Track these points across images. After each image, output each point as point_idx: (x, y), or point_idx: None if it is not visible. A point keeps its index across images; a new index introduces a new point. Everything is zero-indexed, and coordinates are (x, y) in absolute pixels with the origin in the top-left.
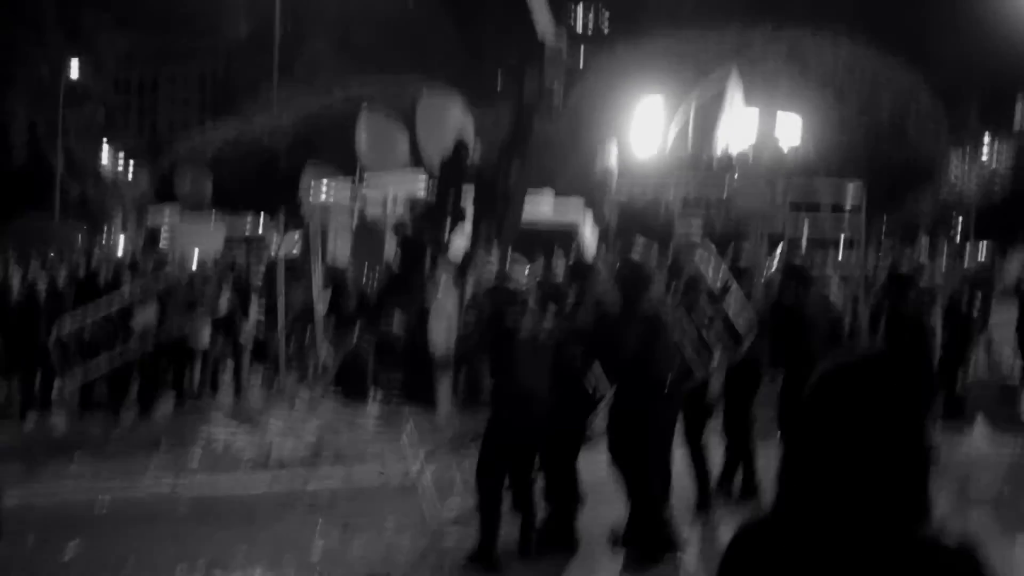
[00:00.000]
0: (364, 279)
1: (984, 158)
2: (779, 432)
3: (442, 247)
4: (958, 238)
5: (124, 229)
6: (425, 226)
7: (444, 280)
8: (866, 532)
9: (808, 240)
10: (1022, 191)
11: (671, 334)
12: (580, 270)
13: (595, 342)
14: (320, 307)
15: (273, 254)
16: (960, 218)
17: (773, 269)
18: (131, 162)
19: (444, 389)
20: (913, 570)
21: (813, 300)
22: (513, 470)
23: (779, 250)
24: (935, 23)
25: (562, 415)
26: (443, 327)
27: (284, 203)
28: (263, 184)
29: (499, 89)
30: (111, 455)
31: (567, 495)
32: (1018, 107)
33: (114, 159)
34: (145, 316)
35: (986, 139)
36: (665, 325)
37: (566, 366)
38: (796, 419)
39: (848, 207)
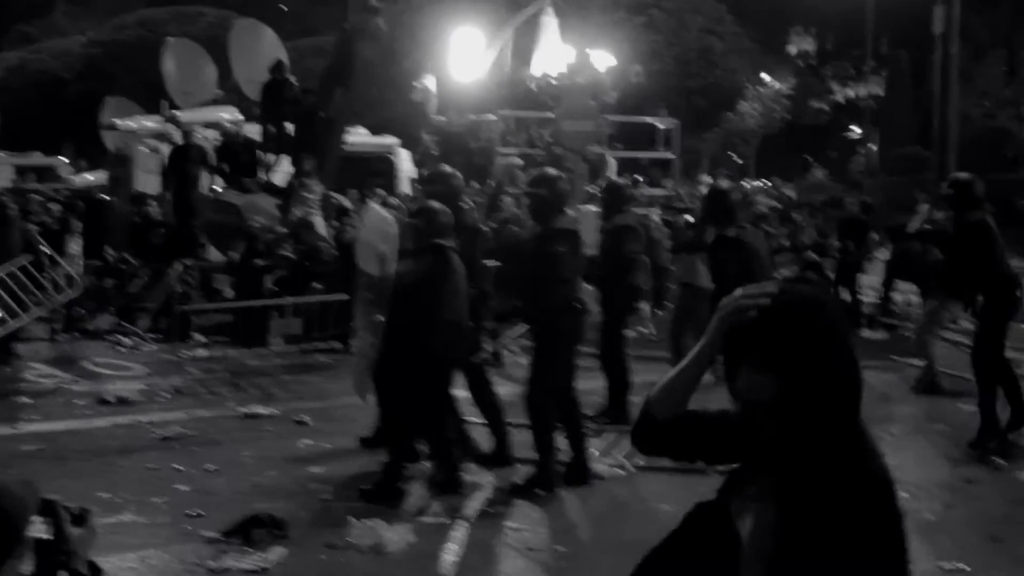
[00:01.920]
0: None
1: (765, 88)
2: None
3: (268, 175)
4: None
5: None
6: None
7: (370, 208)
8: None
9: (625, 166)
10: (798, 121)
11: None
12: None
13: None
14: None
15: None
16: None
17: None
18: None
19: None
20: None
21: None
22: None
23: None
24: None
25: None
26: (379, 250)
27: (75, 133)
28: (51, 113)
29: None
30: None
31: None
32: (793, 38)
33: None
34: None
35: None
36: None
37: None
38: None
39: (662, 137)
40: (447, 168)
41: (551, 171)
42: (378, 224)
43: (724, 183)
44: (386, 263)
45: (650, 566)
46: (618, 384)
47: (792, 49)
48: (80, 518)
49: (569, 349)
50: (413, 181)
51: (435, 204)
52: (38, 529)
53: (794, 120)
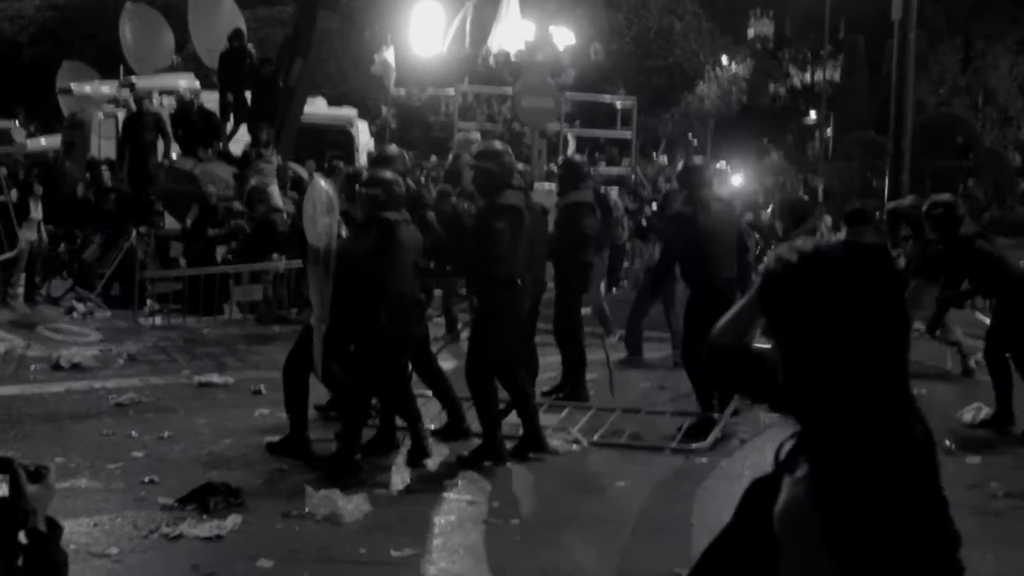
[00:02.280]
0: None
1: (724, 70)
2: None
3: (225, 144)
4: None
5: None
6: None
7: (314, 181)
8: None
9: (583, 144)
10: (756, 104)
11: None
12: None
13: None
14: None
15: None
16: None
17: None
18: None
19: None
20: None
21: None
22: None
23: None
24: None
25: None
26: (322, 221)
27: (30, 98)
28: (4, 76)
29: None
30: None
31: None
32: (751, 21)
33: None
34: None
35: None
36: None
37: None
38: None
39: (620, 117)
40: (499, 145)
41: (498, 144)
42: (322, 196)
43: (698, 159)
44: (331, 236)
45: (719, 549)
46: (574, 360)
47: (751, 32)
48: (37, 475)
49: (509, 325)
50: (369, 153)
51: (388, 175)
52: None
53: (751, 103)
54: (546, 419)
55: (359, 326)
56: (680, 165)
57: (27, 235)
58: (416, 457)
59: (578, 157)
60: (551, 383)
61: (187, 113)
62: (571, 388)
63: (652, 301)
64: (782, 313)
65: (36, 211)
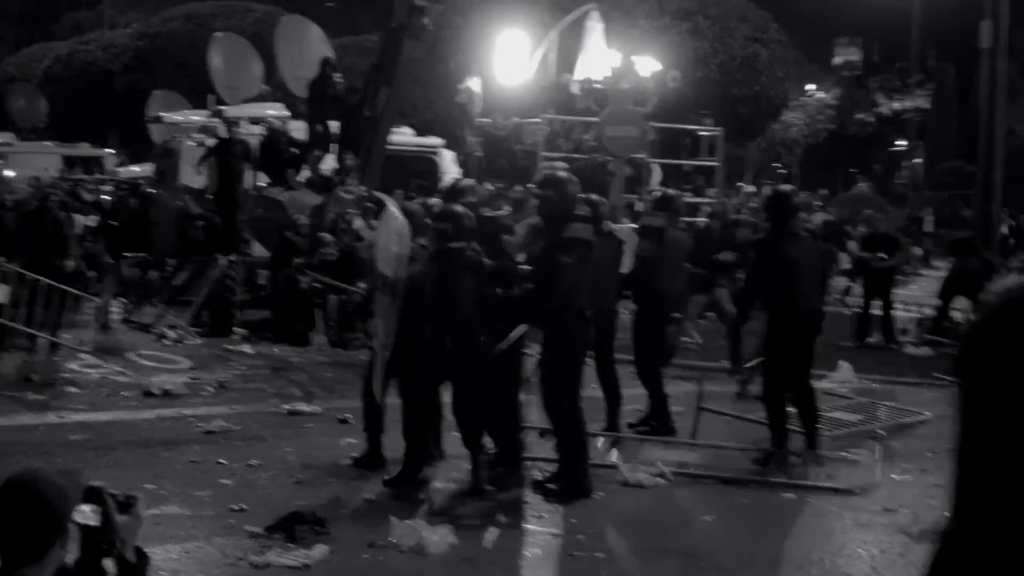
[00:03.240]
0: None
1: (810, 97)
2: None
3: (314, 173)
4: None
5: None
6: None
7: (387, 210)
8: None
9: (668, 173)
10: (843, 132)
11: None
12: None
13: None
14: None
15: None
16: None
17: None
18: None
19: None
20: None
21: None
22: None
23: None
24: None
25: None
26: (391, 252)
27: (120, 124)
28: (98, 104)
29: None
30: None
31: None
32: (837, 48)
33: None
34: None
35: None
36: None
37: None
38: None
39: (707, 145)
40: (563, 174)
41: (561, 173)
42: (395, 226)
43: (786, 187)
44: (400, 265)
45: None
46: (659, 393)
47: (838, 59)
48: (126, 505)
49: (575, 356)
50: (441, 187)
51: (458, 209)
52: (84, 516)
53: (838, 131)
54: (632, 451)
55: (425, 355)
56: (766, 194)
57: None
58: (501, 485)
59: (672, 191)
60: (637, 416)
61: (276, 142)
62: (658, 421)
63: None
64: (989, 366)
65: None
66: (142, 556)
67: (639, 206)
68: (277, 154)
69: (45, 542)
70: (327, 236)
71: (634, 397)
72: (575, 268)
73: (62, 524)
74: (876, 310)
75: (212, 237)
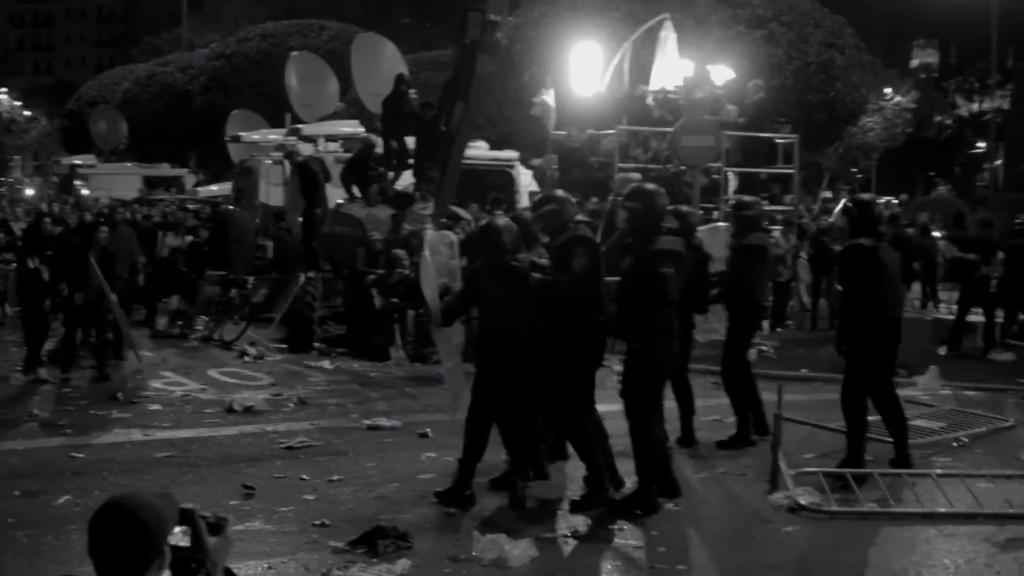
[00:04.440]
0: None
1: (887, 101)
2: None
3: (389, 189)
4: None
5: (23, 173)
6: (364, 167)
7: (430, 234)
8: None
9: (744, 182)
10: (921, 136)
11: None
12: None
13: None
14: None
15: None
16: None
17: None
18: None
19: (442, 344)
20: None
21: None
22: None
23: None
24: None
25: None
26: (431, 283)
27: (199, 143)
28: (177, 125)
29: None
30: (70, 410)
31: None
32: (915, 51)
33: (11, 99)
34: None
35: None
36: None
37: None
38: None
39: (782, 152)
40: (649, 186)
41: (649, 185)
42: (436, 247)
43: (867, 195)
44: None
45: None
46: (745, 402)
47: (915, 62)
48: (217, 527)
49: (661, 370)
50: (532, 195)
51: (497, 223)
52: (177, 538)
53: (916, 135)
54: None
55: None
56: (842, 201)
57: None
58: (589, 501)
59: (749, 199)
60: (711, 425)
61: (367, 157)
62: (740, 434)
63: None
64: None
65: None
66: None
67: (716, 216)
68: (366, 169)
69: (142, 564)
70: (401, 252)
71: (709, 408)
72: (674, 279)
73: (159, 546)
74: (972, 316)
75: (284, 255)
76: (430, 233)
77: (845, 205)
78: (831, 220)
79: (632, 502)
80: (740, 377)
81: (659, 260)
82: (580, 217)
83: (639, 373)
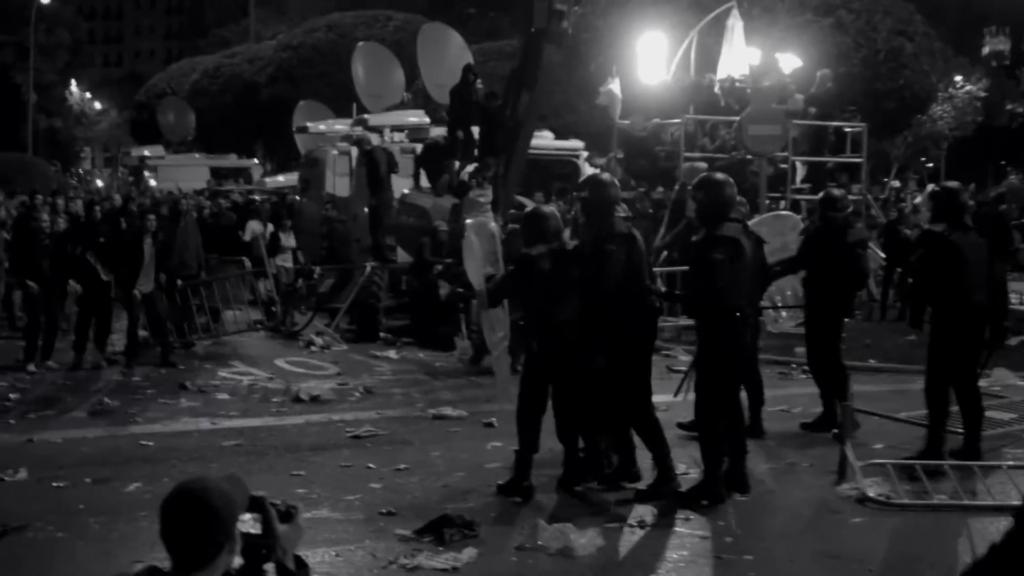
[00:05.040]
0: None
1: (957, 89)
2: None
3: (454, 179)
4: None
5: (94, 165)
6: (435, 157)
7: (473, 219)
8: None
9: (812, 171)
10: (992, 124)
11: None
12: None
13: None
14: None
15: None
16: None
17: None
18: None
19: (487, 324)
20: None
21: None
22: (555, 405)
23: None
24: None
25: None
26: (477, 265)
27: (266, 134)
28: (244, 116)
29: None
30: (140, 399)
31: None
32: (987, 39)
33: (81, 91)
34: None
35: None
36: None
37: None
38: None
39: (849, 143)
40: (719, 176)
41: (718, 175)
42: (481, 232)
43: (952, 183)
44: (482, 271)
45: None
46: (834, 388)
47: (986, 50)
48: (287, 515)
49: (731, 357)
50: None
51: (543, 210)
52: (247, 525)
53: (987, 123)
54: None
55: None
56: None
57: (280, 263)
58: (656, 490)
59: (837, 191)
60: (779, 416)
61: (437, 147)
62: (827, 420)
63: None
64: None
65: (288, 240)
66: (302, 565)
67: (783, 204)
68: (437, 159)
69: (214, 548)
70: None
71: (777, 399)
72: (727, 265)
73: (230, 531)
74: None
75: (338, 245)
76: (472, 220)
77: (932, 190)
78: (916, 204)
79: (698, 492)
80: (831, 364)
81: (715, 246)
82: (620, 211)
83: (708, 362)
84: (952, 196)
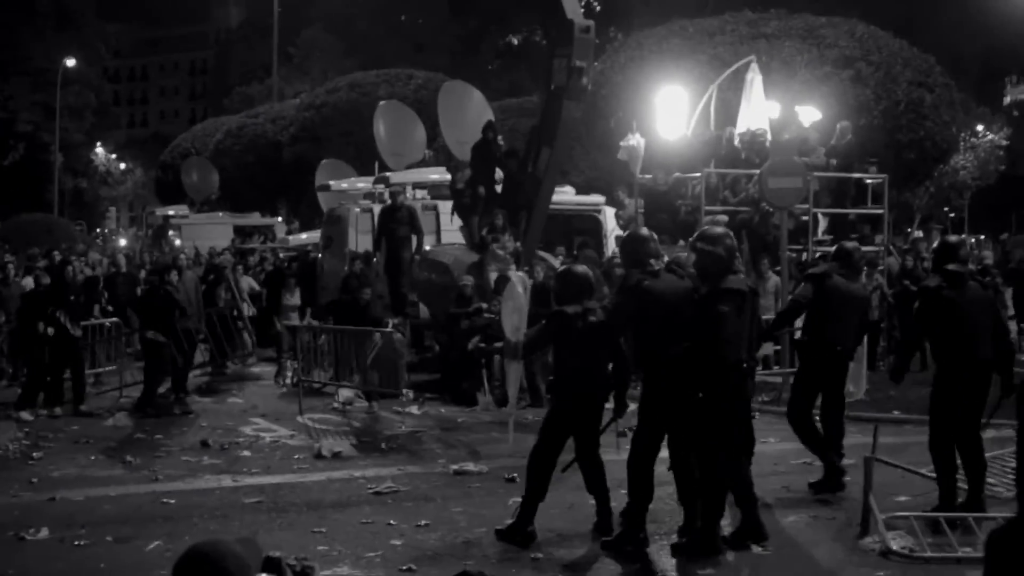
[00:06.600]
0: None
1: (980, 139)
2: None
3: (476, 235)
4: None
5: (119, 225)
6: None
7: (514, 273)
8: None
9: (833, 223)
10: (1015, 173)
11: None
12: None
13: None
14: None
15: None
16: (945, 209)
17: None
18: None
19: (513, 377)
20: None
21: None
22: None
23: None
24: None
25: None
26: (514, 318)
27: (289, 193)
28: (267, 175)
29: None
30: (161, 456)
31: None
32: (1008, 88)
33: (107, 152)
34: None
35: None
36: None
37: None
38: None
39: (870, 195)
40: (719, 229)
41: (719, 228)
42: (514, 291)
43: (953, 238)
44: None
45: None
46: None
47: (1007, 99)
48: (303, 575)
49: (734, 408)
50: (618, 237)
51: (576, 269)
52: None
53: (1010, 172)
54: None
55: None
56: (935, 241)
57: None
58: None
59: (850, 244)
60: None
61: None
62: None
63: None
64: None
65: (292, 298)
66: None
67: (805, 257)
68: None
69: None
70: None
71: (800, 451)
72: (733, 317)
73: None
74: None
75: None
76: (515, 273)
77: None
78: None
79: (695, 544)
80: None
81: (721, 298)
82: (654, 262)
83: (709, 411)
84: (947, 251)
